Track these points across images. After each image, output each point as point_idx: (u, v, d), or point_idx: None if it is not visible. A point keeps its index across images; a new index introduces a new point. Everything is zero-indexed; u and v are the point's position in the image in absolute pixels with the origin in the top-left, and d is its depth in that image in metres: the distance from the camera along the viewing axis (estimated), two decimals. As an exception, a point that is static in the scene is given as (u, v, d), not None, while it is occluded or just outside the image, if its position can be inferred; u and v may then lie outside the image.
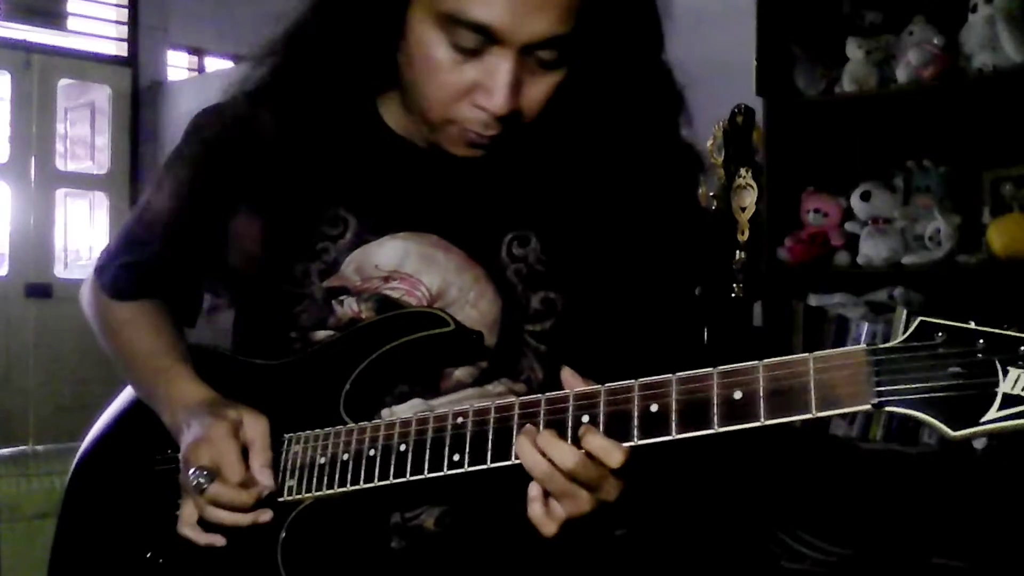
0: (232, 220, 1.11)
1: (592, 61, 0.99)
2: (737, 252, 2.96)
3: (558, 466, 0.86)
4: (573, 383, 0.91)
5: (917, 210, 2.62)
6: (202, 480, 0.97)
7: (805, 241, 2.73)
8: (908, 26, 2.62)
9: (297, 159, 1.08)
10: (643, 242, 1.07)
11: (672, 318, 1.12)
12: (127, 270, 1.19)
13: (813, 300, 2.75)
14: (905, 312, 2.46)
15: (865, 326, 2.54)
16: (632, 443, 0.85)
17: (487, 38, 0.92)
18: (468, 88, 0.96)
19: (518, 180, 1.08)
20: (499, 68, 0.93)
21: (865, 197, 2.69)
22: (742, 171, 2.96)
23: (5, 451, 1.87)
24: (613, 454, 0.85)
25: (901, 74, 2.57)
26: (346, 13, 1.01)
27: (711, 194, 3.10)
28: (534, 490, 0.90)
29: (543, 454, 0.87)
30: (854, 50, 2.66)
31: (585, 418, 0.87)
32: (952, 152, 2.65)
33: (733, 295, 2.95)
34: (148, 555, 1.07)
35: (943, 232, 2.50)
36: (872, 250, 2.62)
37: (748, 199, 2.94)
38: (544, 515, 0.89)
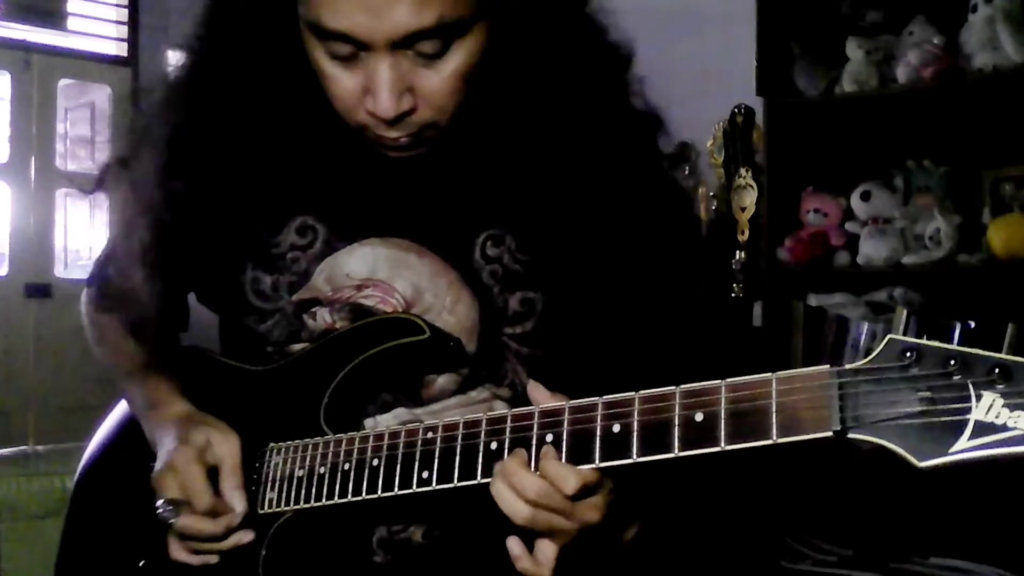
0: (200, 232, 1.08)
1: (507, 36, 0.95)
2: (737, 252, 2.96)
3: (520, 493, 0.84)
4: (539, 398, 0.89)
5: (917, 210, 2.62)
6: (168, 514, 0.97)
7: (805, 241, 2.73)
8: (908, 26, 2.61)
9: (259, 164, 1.06)
10: (615, 228, 1.04)
11: (656, 311, 1.07)
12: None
13: (813, 300, 2.74)
14: (905, 312, 2.45)
15: (865, 326, 2.53)
16: (593, 465, 0.83)
17: (354, 44, 0.90)
18: (360, 94, 0.93)
19: (486, 178, 1.05)
20: (376, 71, 0.90)
21: (865, 197, 2.69)
22: (742, 171, 2.96)
23: (5, 451, 1.87)
24: (568, 480, 0.83)
25: (901, 74, 2.57)
26: (240, 25, 0.99)
27: (711, 194, 3.10)
28: (516, 548, 0.88)
29: (512, 487, 0.85)
30: (854, 50, 2.66)
31: (549, 437, 0.85)
32: (952, 152, 2.65)
33: (733, 295, 2.94)
34: (141, 564, 1.07)
35: (943, 232, 2.49)
36: (872, 250, 2.61)
37: (748, 199, 2.94)
38: (535, 566, 0.87)
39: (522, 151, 1.02)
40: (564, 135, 1.00)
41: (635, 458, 0.81)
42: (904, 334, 0.72)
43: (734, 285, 2.96)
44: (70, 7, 4.73)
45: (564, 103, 0.99)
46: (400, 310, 1.04)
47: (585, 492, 0.84)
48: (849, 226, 2.72)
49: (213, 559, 0.99)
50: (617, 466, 0.82)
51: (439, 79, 0.92)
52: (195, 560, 0.99)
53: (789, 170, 2.80)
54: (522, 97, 0.99)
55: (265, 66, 1.01)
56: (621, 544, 0.94)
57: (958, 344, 0.70)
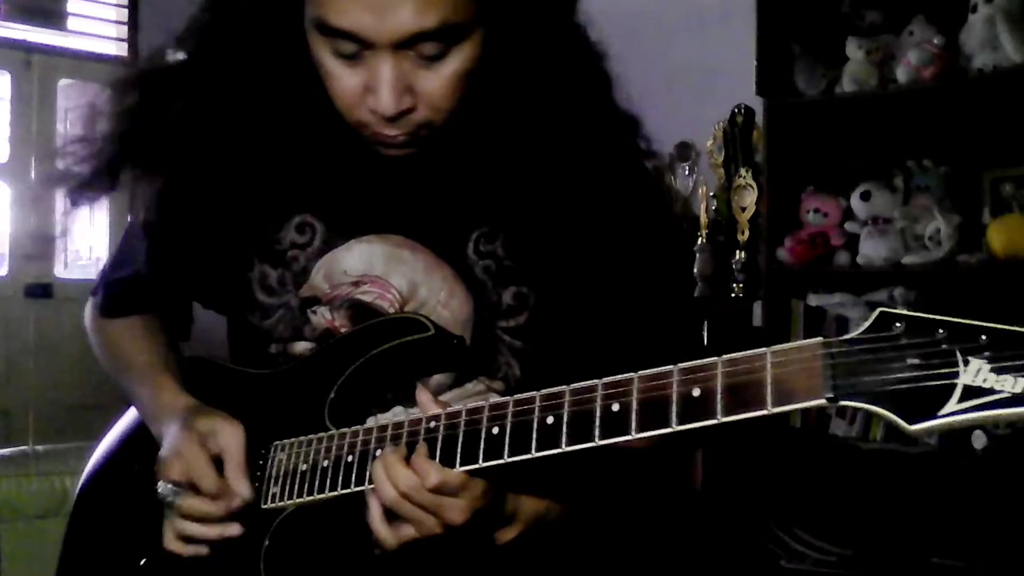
0: (204, 231, 1.10)
1: (503, 42, 0.98)
2: (737, 252, 2.96)
3: (397, 487, 0.90)
4: (428, 405, 0.93)
5: (917, 210, 2.62)
6: (168, 494, 0.98)
7: (805, 241, 2.73)
8: (908, 26, 2.62)
9: (259, 162, 1.08)
10: (602, 228, 1.06)
11: (643, 306, 1.09)
12: (115, 288, 1.20)
13: (813, 300, 2.75)
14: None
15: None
16: (460, 469, 0.88)
17: (358, 43, 0.92)
18: (361, 92, 0.96)
19: (479, 175, 1.08)
20: (378, 70, 0.93)
21: (865, 197, 2.69)
22: (742, 171, 2.96)
23: (5, 451, 1.87)
24: (429, 475, 0.89)
25: (901, 74, 2.57)
26: (242, 22, 1.01)
27: (711, 194, 3.10)
28: (375, 510, 0.93)
29: (387, 476, 0.90)
30: (854, 50, 2.66)
31: (550, 420, 0.86)
32: (952, 152, 2.65)
33: (733, 295, 2.95)
34: (142, 562, 1.07)
35: (943, 232, 2.50)
36: (872, 250, 2.62)
37: (748, 199, 2.95)
38: (387, 530, 0.93)
39: (512, 151, 1.05)
40: (550, 136, 1.03)
41: (633, 435, 0.81)
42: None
43: (734, 285, 2.96)
44: (70, 7, 4.73)
45: (550, 106, 1.03)
46: (397, 305, 1.06)
47: (448, 492, 0.89)
48: (849, 226, 2.72)
49: (204, 550, 1.00)
50: (487, 468, 0.88)
51: (438, 80, 0.96)
52: (187, 550, 1.00)
53: (789, 170, 2.81)
54: (513, 101, 1.02)
55: (265, 64, 1.03)
56: (492, 545, 0.98)
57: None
